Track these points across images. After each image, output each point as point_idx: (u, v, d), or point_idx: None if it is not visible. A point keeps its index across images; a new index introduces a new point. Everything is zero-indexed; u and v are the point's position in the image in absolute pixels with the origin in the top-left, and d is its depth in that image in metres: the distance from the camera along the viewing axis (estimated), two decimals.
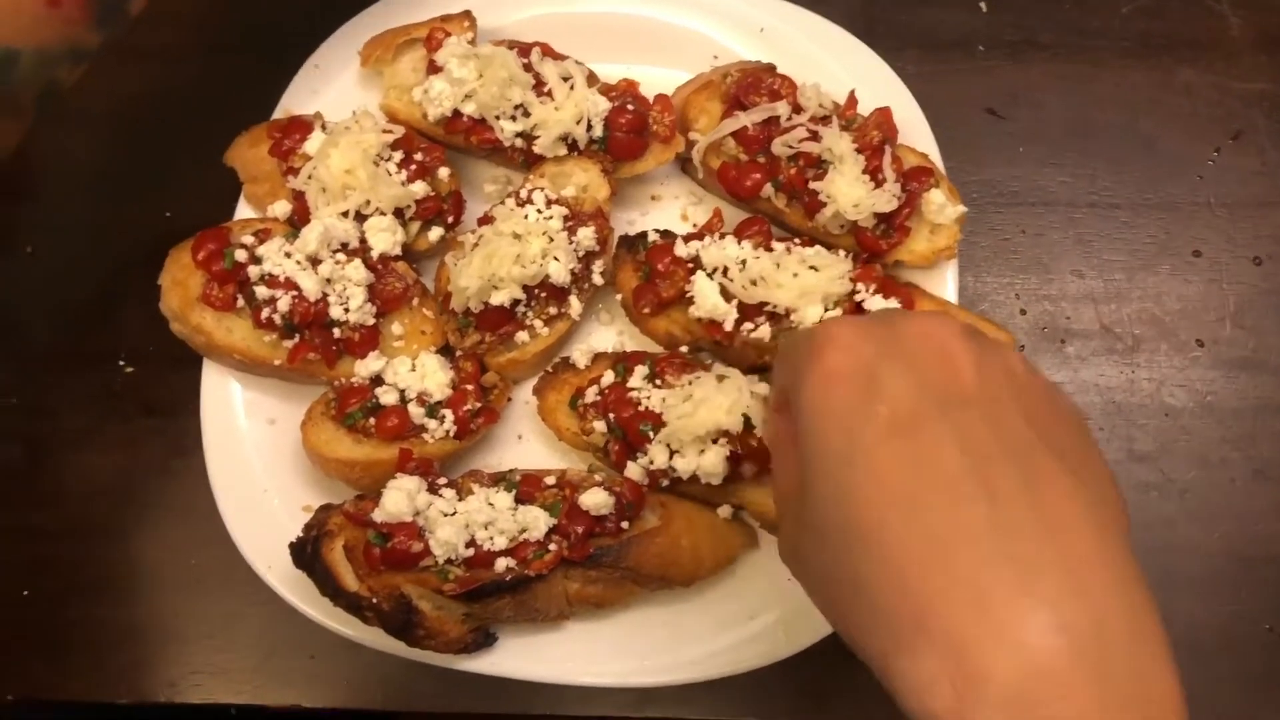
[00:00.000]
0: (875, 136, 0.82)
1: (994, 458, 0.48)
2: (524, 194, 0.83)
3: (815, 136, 0.82)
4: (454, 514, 0.74)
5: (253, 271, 0.79)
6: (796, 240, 0.83)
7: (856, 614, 0.49)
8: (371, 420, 0.79)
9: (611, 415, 0.78)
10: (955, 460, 0.48)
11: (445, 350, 0.83)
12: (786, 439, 0.56)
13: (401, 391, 0.79)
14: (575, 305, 0.83)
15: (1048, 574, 0.45)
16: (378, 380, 0.80)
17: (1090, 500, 0.48)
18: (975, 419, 0.49)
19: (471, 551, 0.74)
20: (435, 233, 0.85)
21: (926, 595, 0.46)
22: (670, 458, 0.77)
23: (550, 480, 0.78)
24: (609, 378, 0.81)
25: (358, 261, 0.80)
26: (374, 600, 0.73)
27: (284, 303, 0.79)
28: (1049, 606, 0.45)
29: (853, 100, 0.85)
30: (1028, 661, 0.44)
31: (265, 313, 0.79)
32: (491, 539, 0.74)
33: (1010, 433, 0.49)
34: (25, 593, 0.83)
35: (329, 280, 0.80)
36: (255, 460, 0.82)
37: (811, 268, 0.79)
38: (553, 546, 0.74)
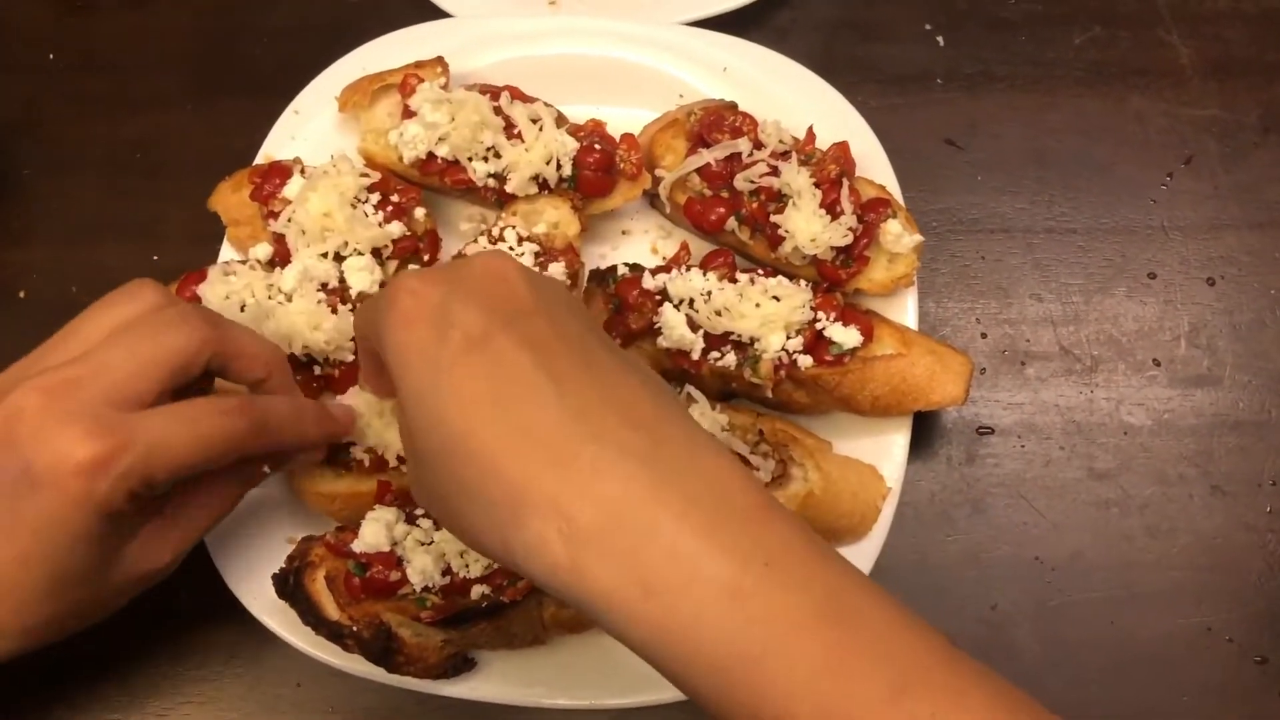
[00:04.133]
0: (833, 170, 0.85)
1: (558, 352, 0.56)
2: (496, 232, 0.86)
3: (775, 171, 0.85)
4: (430, 543, 0.77)
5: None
6: (760, 271, 0.86)
7: (472, 517, 0.55)
8: (352, 455, 0.82)
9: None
10: (525, 360, 0.55)
11: None
12: (385, 393, 0.66)
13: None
14: None
15: (610, 421, 0.54)
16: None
17: (637, 370, 0.58)
18: (538, 324, 0.56)
19: (448, 579, 0.76)
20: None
21: (519, 475, 0.53)
22: None
23: None
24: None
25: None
26: (354, 628, 0.75)
27: None
28: (616, 444, 0.53)
29: (811, 135, 0.88)
30: (608, 493, 0.52)
31: None
32: (467, 566, 0.76)
33: (568, 331, 0.57)
34: None
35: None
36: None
37: (774, 298, 0.82)
38: None
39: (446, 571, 0.76)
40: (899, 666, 0.50)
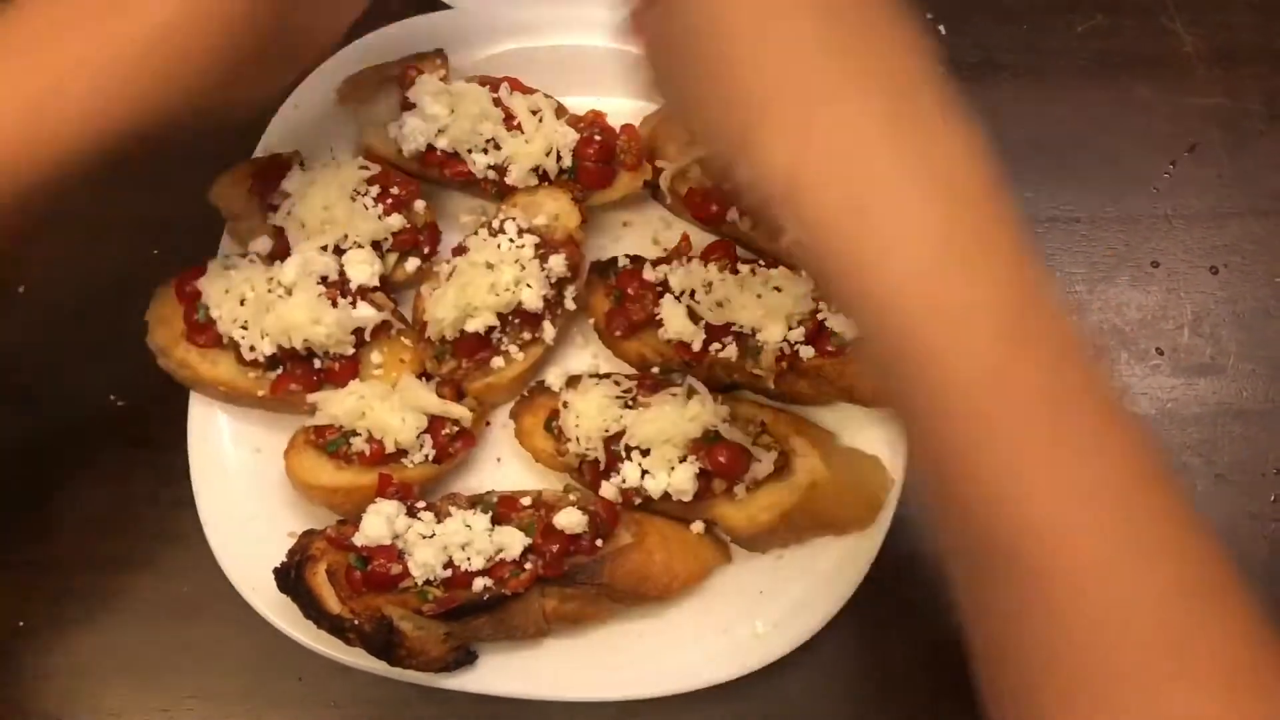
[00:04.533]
0: None
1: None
2: (496, 224, 0.86)
3: None
4: (432, 536, 0.77)
5: (224, 323, 0.82)
6: (762, 262, 0.85)
7: (711, 110, 0.57)
8: (353, 447, 0.81)
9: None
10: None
11: (423, 377, 0.85)
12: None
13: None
14: (549, 330, 0.85)
15: (873, 70, 0.54)
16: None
17: (914, 43, 0.56)
18: None
19: (449, 572, 0.76)
20: (412, 264, 0.87)
21: (772, 82, 0.54)
22: (642, 477, 0.79)
23: (526, 501, 0.80)
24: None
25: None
26: (356, 622, 0.75)
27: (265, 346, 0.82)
28: (865, 95, 0.53)
29: None
30: (854, 139, 0.53)
31: (246, 352, 0.82)
32: (469, 559, 0.76)
33: None
34: (20, 623, 0.86)
35: None
36: (241, 488, 0.84)
37: (775, 288, 0.82)
38: (528, 565, 0.77)
39: (448, 565, 0.76)
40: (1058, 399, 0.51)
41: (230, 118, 0.72)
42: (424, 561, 0.75)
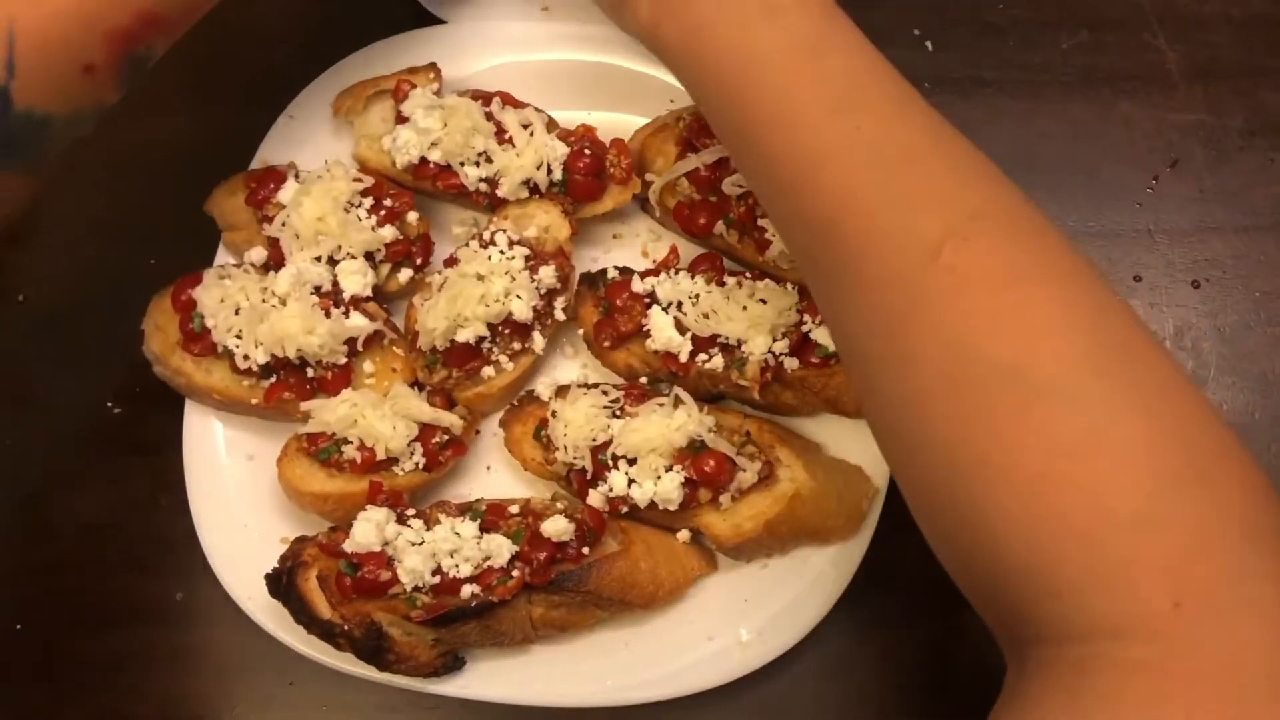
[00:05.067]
0: None
1: None
2: (487, 236, 0.87)
3: None
4: (421, 543, 0.78)
5: (219, 332, 0.83)
6: (748, 274, 0.87)
7: None
8: (344, 455, 0.83)
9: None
10: None
11: (415, 386, 0.87)
12: None
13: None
14: (539, 340, 0.87)
15: None
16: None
17: None
18: None
19: (438, 579, 0.77)
20: (405, 274, 0.89)
21: None
22: (629, 485, 0.81)
23: (514, 509, 0.81)
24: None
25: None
26: (346, 627, 0.77)
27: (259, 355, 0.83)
28: None
29: None
30: None
31: (240, 361, 0.83)
32: (457, 566, 0.78)
33: None
34: (18, 627, 0.87)
35: None
36: (235, 495, 0.85)
37: (761, 300, 0.83)
38: (516, 573, 0.78)
39: (436, 571, 0.77)
40: (844, 89, 0.63)
41: None
42: (413, 568, 0.77)
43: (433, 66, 0.91)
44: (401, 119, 0.89)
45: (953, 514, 0.57)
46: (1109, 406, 0.54)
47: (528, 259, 0.86)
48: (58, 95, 0.68)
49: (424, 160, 0.88)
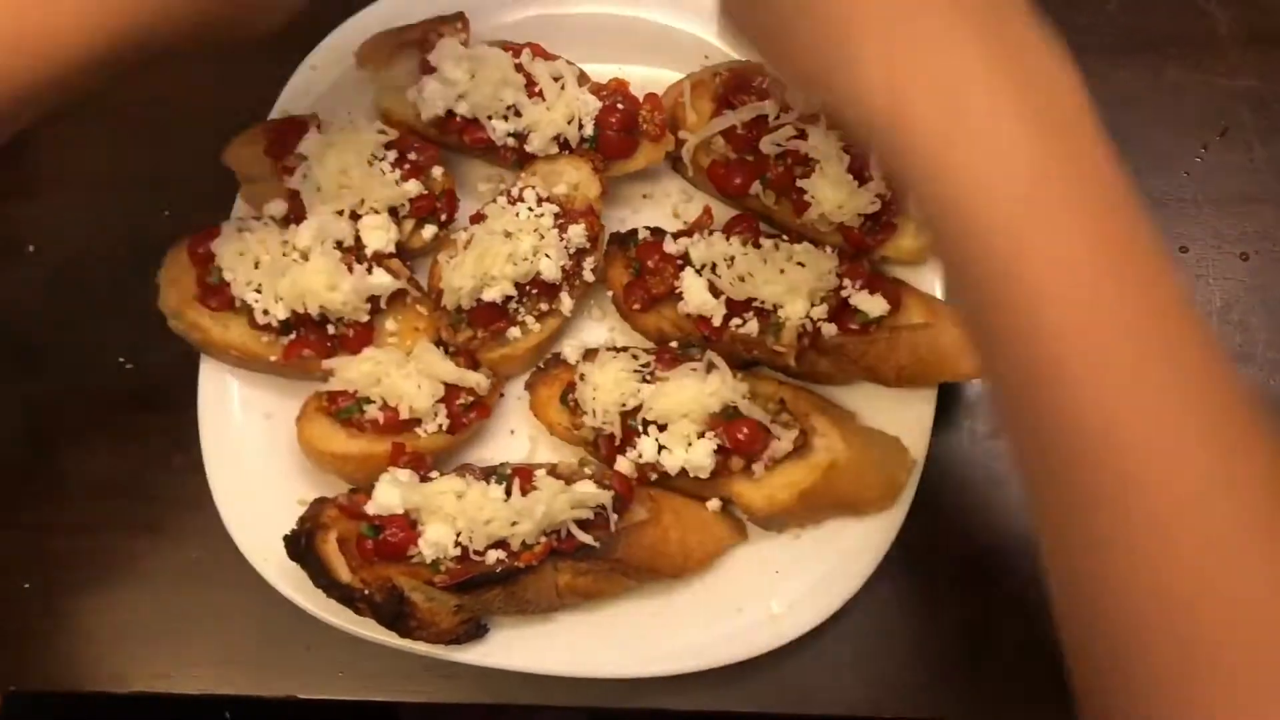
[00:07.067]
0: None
1: None
2: (515, 192, 0.84)
3: (803, 135, 0.83)
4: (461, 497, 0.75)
5: (237, 286, 0.81)
6: (784, 236, 0.84)
7: (797, 33, 0.57)
8: (365, 415, 0.80)
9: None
10: None
11: (438, 346, 0.84)
12: None
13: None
14: (566, 302, 0.84)
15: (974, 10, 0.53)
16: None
17: None
18: None
19: (459, 550, 0.75)
20: (429, 231, 0.86)
21: (861, 15, 0.54)
22: (659, 452, 0.78)
23: (541, 474, 0.79)
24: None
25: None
26: (366, 592, 0.74)
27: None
28: (973, 29, 0.52)
29: None
30: (950, 64, 0.52)
31: (259, 316, 0.81)
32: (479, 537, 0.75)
33: None
34: (26, 585, 0.85)
35: None
36: (252, 454, 0.83)
37: (798, 264, 0.80)
38: (543, 538, 0.75)
39: (458, 544, 0.75)
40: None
41: (240, 35, 0.71)
42: (436, 540, 0.74)
43: (460, 16, 0.88)
44: (428, 70, 0.86)
45: None
46: None
47: (556, 217, 0.84)
48: None
49: (450, 113, 0.85)
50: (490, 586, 0.75)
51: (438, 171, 0.86)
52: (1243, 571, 0.48)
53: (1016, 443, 0.55)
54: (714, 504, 0.81)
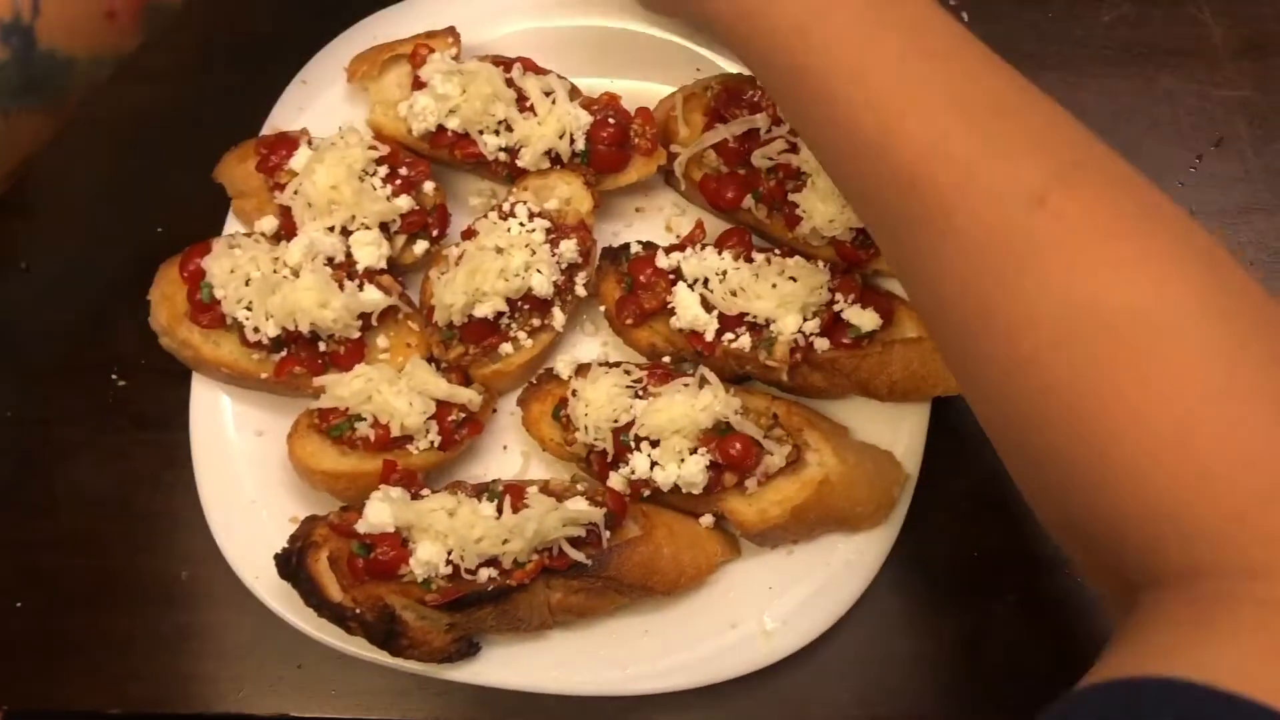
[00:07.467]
0: None
1: None
2: (507, 207, 0.84)
3: (794, 148, 0.82)
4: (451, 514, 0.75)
5: (228, 303, 0.80)
6: (777, 250, 0.83)
7: None
8: (357, 432, 0.80)
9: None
10: None
11: (430, 362, 0.84)
12: None
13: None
14: (559, 317, 0.84)
15: None
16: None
17: None
18: None
19: (451, 569, 0.74)
20: (420, 246, 0.86)
21: None
22: (651, 468, 0.78)
23: (533, 491, 0.78)
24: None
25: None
26: (358, 611, 0.74)
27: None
28: None
29: None
30: None
31: (250, 334, 0.80)
32: (477, 547, 0.75)
33: None
34: (18, 604, 0.85)
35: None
36: (243, 472, 0.83)
37: (791, 278, 0.80)
38: (535, 556, 0.75)
39: (449, 563, 0.75)
40: (921, 36, 0.61)
41: None
42: (427, 559, 0.74)
43: (451, 30, 0.88)
44: (419, 84, 0.86)
45: (1067, 468, 0.54)
46: (1243, 352, 0.52)
47: (548, 232, 0.83)
48: (80, 38, 0.69)
49: (441, 128, 0.85)
50: (482, 605, 0.74)
51: (429, 186, 0.86)
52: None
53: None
54: (707, 520, 0.80)
